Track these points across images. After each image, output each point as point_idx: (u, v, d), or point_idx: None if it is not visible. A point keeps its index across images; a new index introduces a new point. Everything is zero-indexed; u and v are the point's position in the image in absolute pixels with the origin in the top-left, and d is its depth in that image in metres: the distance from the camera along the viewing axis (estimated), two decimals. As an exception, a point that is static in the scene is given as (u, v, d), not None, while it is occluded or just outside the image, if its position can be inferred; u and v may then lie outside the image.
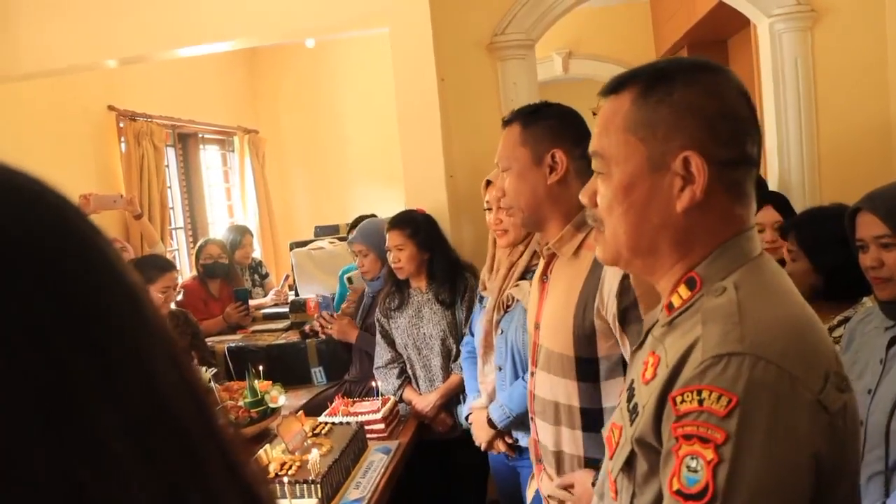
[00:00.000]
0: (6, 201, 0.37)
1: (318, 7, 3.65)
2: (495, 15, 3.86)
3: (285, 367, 3.93)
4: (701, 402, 0.84)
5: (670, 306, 1.02)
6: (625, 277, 1.65)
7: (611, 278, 1.69)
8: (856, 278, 1.87)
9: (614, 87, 1.06)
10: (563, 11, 3.89)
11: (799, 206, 3.10)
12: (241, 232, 5.32)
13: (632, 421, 0.98)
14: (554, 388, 1.82)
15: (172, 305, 4.50)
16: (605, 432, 1.12)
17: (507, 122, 1.91)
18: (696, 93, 0.99)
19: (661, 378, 0.92)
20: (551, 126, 1.83)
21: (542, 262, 1.95)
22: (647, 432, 0.93)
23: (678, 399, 0.87)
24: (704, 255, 1.01)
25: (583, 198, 1.12)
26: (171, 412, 0.39)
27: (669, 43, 6.53)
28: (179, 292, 4.65)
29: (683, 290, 1.01)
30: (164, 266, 3.53)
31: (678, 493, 0.86)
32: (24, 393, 0.33)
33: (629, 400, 1.03)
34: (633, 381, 1.04)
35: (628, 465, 0.98)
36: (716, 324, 0.90)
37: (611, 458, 1.05)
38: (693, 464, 0.85)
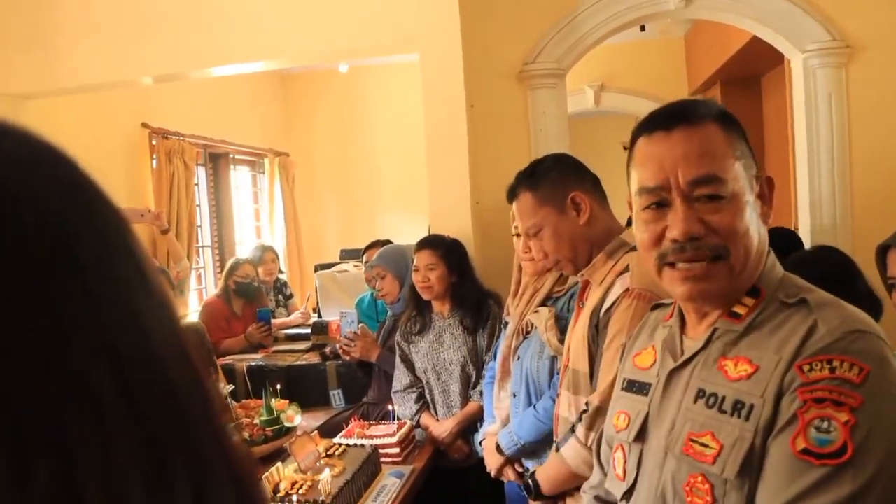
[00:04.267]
0: (14, 158, 0.38)
1: (349, 31, 3.68)
2: (526, 43, 3.87)
3: (304, 388, 3.92)
4: (833, 370, 0.92)
5: (735, 315, 1.10)
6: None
7: (612, 294, 1.79)
8: None
9: (690, 117, 1.12)
10: (594, 42, 3.89)
11: (829, 242, 3.04)
12: (264, 250, 5.36)
13: (745, 416, 1.00)
14: (570, 406, 1.89)
15: (195, 319, 4.54)
16: (675, 448, 1.10)
17: (512, 195, 2.04)
18: (741, 127, 1.15)
19: (772, 366, 0.99)
20: (554, 177, 1.95)
21: (579, 289, 2.04)
22: (770, 418, 0.98)
23: (806, 367, 0.95)
24: (760, 268, 1.12)
25: (692, 229, 1.09)
26: (166, 374, 0.40)
27: (702, 79, 6.52)
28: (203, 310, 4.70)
29: (748, 300, 1.10)
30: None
31: (805, 451, 0.91)
32: (22, 335, 0.34)
33: (716, 405, 1.05)
34: (702, 391, 1.08)
35: (746, 465, 0.98)
36: (830, 310, 1.00)
37: (713, 462, 1.03)
38: (824, 425, 0.90)
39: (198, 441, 0.40)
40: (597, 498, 1.42)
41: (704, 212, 1.08)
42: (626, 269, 1.80)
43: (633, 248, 1.86)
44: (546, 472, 1.97)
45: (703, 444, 1.05)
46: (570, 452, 1.81)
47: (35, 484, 0.33)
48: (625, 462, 1.25)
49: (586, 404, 1.79)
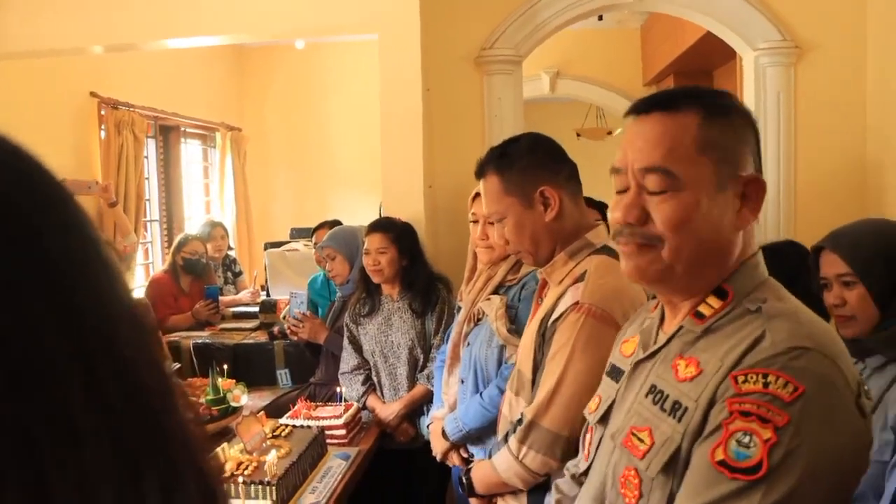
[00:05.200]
0: None
1: (308, 9, 3.64)
2: (485, 29, 3.88)
3: (251, 367, 3.90)
4: (766, 384, 0.91)
5: (699, 315, 1.08)
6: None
7: (562, 304, 1.74)
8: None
9: (666, 104, 1.09)
10: (553, 29, 3.91)
11: (772, 238, 3.12)
12: (213, 225, 5.29)
13: (678, 417, 1.01)
14: (513, 406, 1.86)
15: (140, 295, 4.47)
16: (618, 439, 1.12)
17: (480, 173, 1.91)
18: (747, 121, 1.11)
19: (713, 371, 0.98)
20: (527, 166, 1.84)
21: (539, 285, 1.98)
22: (700, 424, 0.97)
23: (740, 378, 0.93)
24: (731, 270, 1.08)
25: (627, 216, 1.10)
26: (139, 385, 0.39)
27: (657, 70, 6.60)
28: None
29: (713, 300, 1.07)
30: None
31: (722, 463, 0.91)
32: None
33: (659, 401, 1.06)
34: (654, 386, 1.09)
35: (670, 464, 0.99)
36: (782, 321, 0.98)
37: (641, 458, 1.05)
38: (745, 440, 0.90)
39: (170, 450, 0.40)
40: (573, 476, 1.42)
41: (650, 201, 1.07)
42: (582, 276, 1.74)
43: (598, 250, 1.82)
44: (478, 473, 1.94)
45: (639, 439, 1.06)
46: (502, 464, 1.79)
47: (6, 500, 0.32)
48: (589, 443, 1.28)
49: (522, 414, 1.77)
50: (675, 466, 0.99)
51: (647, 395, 1.09)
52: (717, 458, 0.91)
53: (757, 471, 0.88)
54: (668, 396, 1.04)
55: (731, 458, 0.90)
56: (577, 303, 1.69)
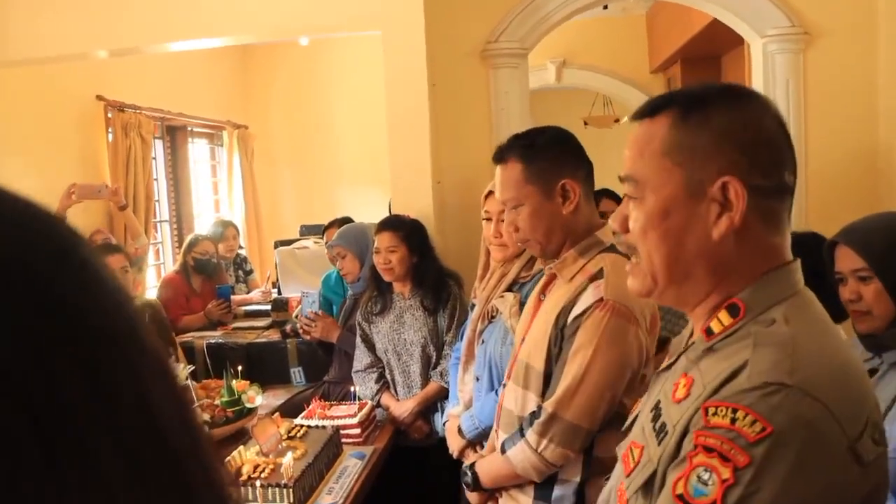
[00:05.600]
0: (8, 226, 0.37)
1: (310, 7, 3.64)
2: (489, 23, 3.86)
3: (264, 365, 3.92)
4: (733, 420, 0.84)
5: (709, 331, 1.00)
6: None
7: (583, 301, 1.74)
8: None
9: (650, 111, 1.04)
10: (558, 21, 3.89)
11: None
12: (225, 225, 5.31)
13: (659, 440, 0.97)
14: (520, 400, 1.87)
15: (153, 296, 4.49)
16: (620, 450, 1.11)
17: (501, 159, 1.90)
18: (735, 118, 0.98)
19: (695, 396, 0.92)
20: (552, 157, 1.85)
21: (542, 280, 1.98)
22: (674, 451, 0.93)
23: (711, 410, 0.87)
24: (746, 284, 0.99)
25: (613, 223, 1.10)
26: (164, 436, 0.39)
27: (664, 57, 6.56)
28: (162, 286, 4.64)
29: (725, 316, 0.99)
30: (107, 248, 3.54)
31: (681, 497, 0.86)
32: (17, 410, 0.33)
33: (655, 419, 1.01)
34: (658, 402, 1.03)
35: (647, 486, 0.97)
36: (768, 351, 0.89)
37: (627, 475, 1.03)
38: (705, 476, 0.85)
39: (196, 496, 0.40)
40: None
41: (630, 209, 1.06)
42: (600, 273, 1.75)
43: (608, 249, 1.83)
44: (487, 468, 1.95)
45: (633, 456, 1.04)
46: (518, 456, 1.79)
47: None
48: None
49: (539, 407, 1.78)
50: (652, 488, 0.96)
51: (651, 411, 1.05)
52: (677, 491, 0.87)
53: None
54: (661, 416, 1.00)
55: (689, 493, 0.86)
56: (601, 299, 1.70)
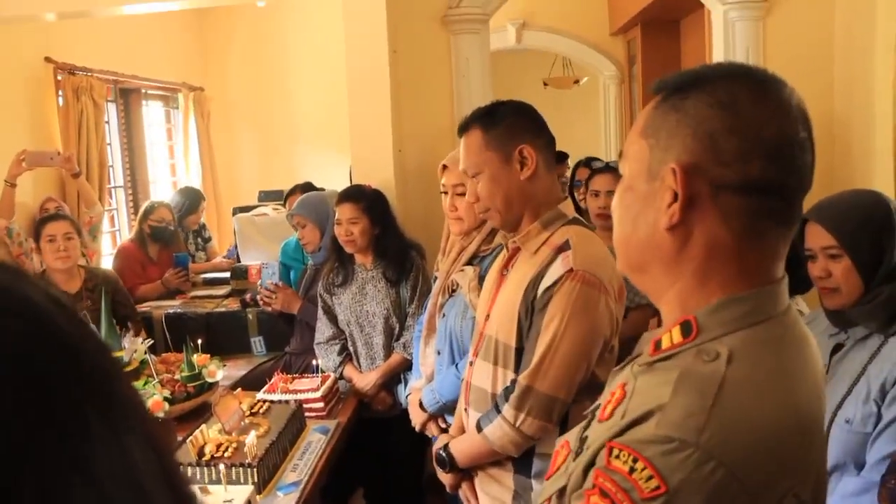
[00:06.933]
0: None
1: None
2: (451, -13, 3.79)
3: (224, 335, 3.89)
4: (632, 470, 0.77)
5: (658, 345, 0.91)
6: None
7: (553, 272, 1.76)
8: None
9: (655, 88, 0.96)
10: (519, -13, 3.84)
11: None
12: (197, 197, 5.21)
13: (577, 454, 0.93)
14: (490, 377, 1.88)
15: (110, 266, 4.41)
16: (557, 443, 1.06)
17: (464, 129, 1.93)
18: (707, 102, 0.87)
19: (613, 423, 0.85)
20: (511, 124, 1.87)
21: (504, 255, 2.00)
22: (582, 475, 0.87)
23: (614, 451, 0.80)
24: (707, 300, 0.89)
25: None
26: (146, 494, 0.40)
27: (624, 20, 6.56)
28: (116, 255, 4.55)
29: (676, 334, 0.89)
30: (52, 217, 3.50)
31: None
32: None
33: (585, 427, 0.97)
34: (598, 407, 0.97)
35: (560, 496, 0.93)
36: (687, 398, 0.81)
37: (547, 478, 1.02)
38: None
39: None
40: None
41: None
42: (566, 245, 1.77)
43: (571, 221, 1.86)
44: (462, 447, 1.96)
45: (560, 457, 1.00)
46: (496, 433, 1.81)
47: None
48: None
49: (512, 382, 1.80)
50: (563, 501, 0.91)
51: (589, 413, 1.01)
52: None
53: None
54: (590, 425, 0.95)
55: None
56: (570, 270, 1.73)
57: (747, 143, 0.86)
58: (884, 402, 1.69)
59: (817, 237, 1.80)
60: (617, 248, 0.99)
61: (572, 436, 1.01)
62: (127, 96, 5.91)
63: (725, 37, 3.73)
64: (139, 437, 0.40)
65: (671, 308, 0.94)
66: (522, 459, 1.84)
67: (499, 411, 1.81)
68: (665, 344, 0.89)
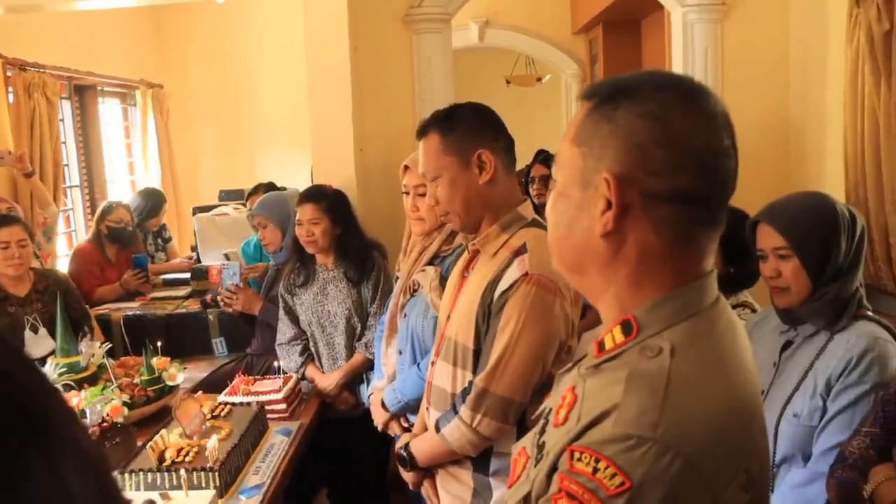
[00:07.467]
0: None
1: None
2: (412, -14, 3.79)
3: (185, 337, 3.85)
4: (595, 471, 0.80)
5: (601, 346, 0.94)
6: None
7: (509, 276, 1.77)
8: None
9: (586, 94, 0.98)
10: (480, -14, 3.85)
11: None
12: (159, 199, 5.14)
13: (537, 460, 0.94)
14: (451, 378, 1.90)
15: (66, 267, 4.32)
16: (514, 450, 1.08)
17: (422, 133, 1.93)
18: (637, 113, 0.90)
19: (570, 427, 0.87)
20: (469, 128, 1.87)
21: (465, 257, 2.01)
22: (545, 480, 0.89)
23: (576, 455, 0.83)
24: (643, 301, 0.92)
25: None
26: None
27: (586, 19, 6.60)
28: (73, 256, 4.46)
29: (618, 333, 0.92)
30: (4, 219, 3.34)
31: None
32: None
33: (541, 432, 0.97)
34: (549, 411, 0.99)
35: (525, 502, 0.94)
36: (639, 395, 0.84)
37: (510, 486, 1.02)
38: None
39: None
40: None
41: None
42: (524, 248, 1.78)
43: (530, 223, 1.87)
44: (423, 446, 1.98)
45: (519, 464, 1.02)
46: (454, 434, 1.82)
47: None
48: None
49: (469, 383, 1.81)
50: None
51: (543, 418, 1.01)
52: None
53: None
54: (545, 431, 0.96)
55: None
56: (526, 274, 1.74)
57: (676, 155, 0.89)
58: (829, 396, 1.76)
59: (768, 238, 1.85)
60: (553, 250, 1.02)
61: (528, 442, 1.03)
62: (82, 93, 5.80)
63: (685, 38, 3.78)
64: (75, 461, 0.40)
65: (609, 307, 0.96)
66: (481, 458, 1.86)
67: (456, 412, 1.82)
68: (608, 344, 0.93)
